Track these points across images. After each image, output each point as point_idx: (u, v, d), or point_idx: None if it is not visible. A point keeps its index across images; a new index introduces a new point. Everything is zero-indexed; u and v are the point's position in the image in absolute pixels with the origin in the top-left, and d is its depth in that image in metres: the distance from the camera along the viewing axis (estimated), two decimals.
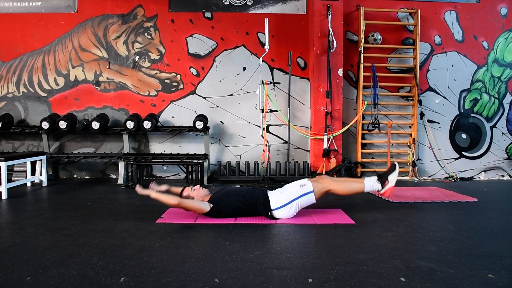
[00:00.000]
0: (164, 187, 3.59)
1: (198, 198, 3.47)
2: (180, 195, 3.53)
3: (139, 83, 6.08)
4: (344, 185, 3.45)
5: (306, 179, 3.49)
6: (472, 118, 6.31)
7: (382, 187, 3.43)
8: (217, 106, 6.12)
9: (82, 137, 6.11)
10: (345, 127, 5.90)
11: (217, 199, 3.43)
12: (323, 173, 5.49)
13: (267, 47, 5.43)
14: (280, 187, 3.55)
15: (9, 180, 5.17)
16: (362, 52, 5.94)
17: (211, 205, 3.34)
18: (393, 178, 3.42)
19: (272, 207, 3.35)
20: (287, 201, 3.35)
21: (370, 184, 3.45)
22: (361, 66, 5.94)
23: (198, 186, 3.57)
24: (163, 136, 6.12)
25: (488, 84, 6.29)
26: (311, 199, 3.37)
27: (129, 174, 5.61)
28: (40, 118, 5.77)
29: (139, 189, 3.37)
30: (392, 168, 3.46)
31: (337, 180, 3.52)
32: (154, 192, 3.33)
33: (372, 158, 6.17)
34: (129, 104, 6.09)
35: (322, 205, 4.05)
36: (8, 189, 4.52)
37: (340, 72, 5.80)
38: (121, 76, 6.07)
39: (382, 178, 3.45)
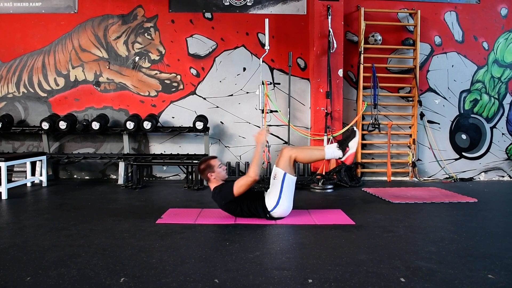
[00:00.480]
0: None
1: (217, 176, 3.45)
2: (207, 159, 3.51)
3: (139, 84, 6.09)
4: (305, 153, 3.45)
5: (274, 167, 3.47)
6: (472, 119, 6.31)
7: (344, 154, 3.41)
8: (217, 107, 6.12)
9: (82, 138, 6.11)
10: (345, 127, 5.89)
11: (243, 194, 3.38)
12: (323, 173, 5.49)
13: (267, 47, 5.42)
14: None
15: (9, 181, 5.18)
16: (362, 52, 5.94)
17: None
18: (353, 144, 3.39)
19: (269, 209, 3.36)
20: (276, 198, 3.35)
21: (331, 151, 3.44)
22: (361, 66, 5.94)
23: (224, 166, 3.56)
24: (163, 137, 6.12)
25: (488, 85, 6.29)
26: (290, 179, 3.36)
27: (129, 174, 5.61)
28: (40, 119, 5.77)
29: (260, 134, 3.43)
30: (352, 135, 3.43)
31: (297, 148, 3.60)
32: (262, 150, 3.37)
33: (372, 158, 6.17)
34: (129, 104, 6.09)
35: (322, 205, 4.06)
36: (8, 189, 4.52)
37: (340, 72, 5.80)
38: (121, 77, 6.07)
39: (343, 145, 3.42)
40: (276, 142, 6.07)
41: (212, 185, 3.47)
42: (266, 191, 3.53)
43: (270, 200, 3.37)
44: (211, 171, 3.45)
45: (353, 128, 3.46)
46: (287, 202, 3.37)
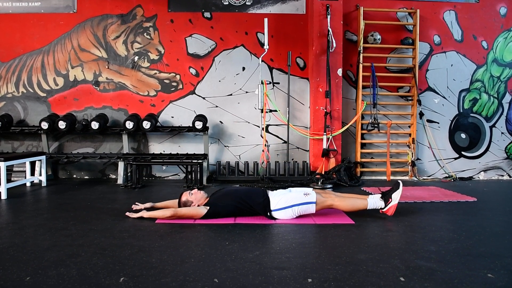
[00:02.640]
0: (148, 204, 3.68)
1: (197, 201, 3.49)
2: (179, 200, 3.58)
3: (139, 83, 6.08)
4: (347, 202, 3.46)
5: (311, 189, 3.51)
6: (471, 118, 6.31)
7: (386, 205, 3.43)
8: (217, 106, 6.12)
9: (81, 137, 6.11)
10: (345, 127, 5.90)
11: (215, 200, 3.46)
12: (323, 173, 5.49)
13: (266, 47, 5.42)
14: (280, 187, 3.56)
15: (8, 180, 5.17)
16: (362, 52, 5.94)
17: (208, 208, 3.37)
18: (396, 196, 3.41)
19: (272, 207, 3.36)
20: (287, 204, 3.37)
21: (373, 202, 3.46)
22: (361, 66, 5.94)
23: (195, 190, 3.58)
24: (163, 136, 6.12)
25: (487, 84, 6.29)
26: (311, 209, 3.39)
27: (129, 174, 5.60)
28: (40, 118, 5.77)
29: (130, 215, 3.48)
30: (396, 187, 3.44)
31: (341, 196, 3.52)
32: (145, 212, 3.44)
33: (372, 158, 6.17)
34: (129, 104, 6.09)
35: None
36: (8, 189, 4.51)
37: (340, 72, 5.80)
38: (121, 76, 6.07)
39: (386, 196, 3.45)
40: (275, 142, 6.08)
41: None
42: (269, 190, 3.55)
43: (278, 201, 3.38)
44: (190, 203, 3.50)
45: (399, 182, 3.46)
46: (290, 215, 3.40)
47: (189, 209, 3.40)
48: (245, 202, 3.39)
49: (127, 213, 3.52)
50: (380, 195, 3.48)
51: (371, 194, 3.65)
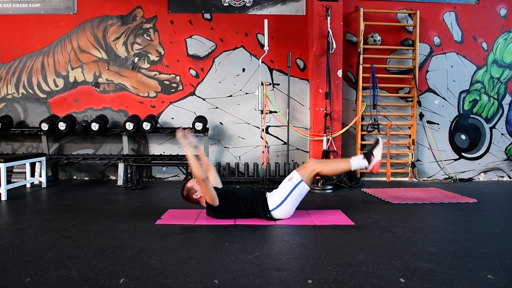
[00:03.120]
0: (196, 151, 3.48)
1: (200, 192, 3.42)
2: (183, 185, 3.50)
3: (139, 84, 6.09)
4: (330, 166, 3.46)
5: (294, 171, 3.48)
6: (471, 119, 6.31)
7: (369, 163, 3.42)
8: (217, 107, 6.12)
9: (81, 139, 6.11)
10: (345, 128, 5.90)
11: (223, 196, 3.39)
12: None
13: (266, 48, 5.43)
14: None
15: (8, 182, 5.17)
16: (362, 53, 5.95)
17: (218, 204, 3.32)
18: (378, 152, 3.40)
19: (270, 208, 3.35)
20: (282, 198, 3.35)
21: (356, 161, 3.44)
22: (361, 67, 5.94)
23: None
24: (163, 137, 6.12)
25: (487, 85, 6.29)
26: (304, 187, 3.37)
27: (129, 175, 5.61)
28: (40, 120, 5.77)
29: (180, 133, 3.40)
30: (375, 143, 3.44)
31: (323, 162, 3.52)
32: (191, 150, 3.32)
33: None
34: (129, 105, 6.09)
35: (321, 206, 4.06)
36: (8, 190, 4.51)
37: (340, 73, 5.80)
38: (121, 77, 6.07)
39: (368, 154, 3.44)
40: (275, 143, 6.08)
41: (204, 203, 3.46)
42: (268, 191, 3.53)
43: (273, 199, 3.36)
44: (193, 192, 3.43)
45: (377, 137, 3.47)
46: (289, 207, 3.37)
47: (212, 190, 3.29)
48: (250, 207, 3.38)
49: (178, 132, 3.40)
50: (362, 156, 3.47)
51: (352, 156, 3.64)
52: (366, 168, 3.45)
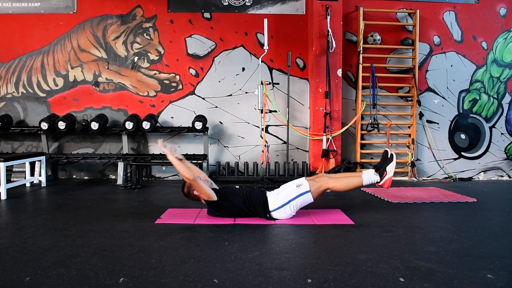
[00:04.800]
0: (180, 156, 3.46)
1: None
2: (184, 182, 3.48)
3: (138, 84, 6.08)
4: (342, 182, 3.40)
5: (303, 178, 3.46)
6: (471, 119, 6.32)
7: (381, 179, 3.40)
8: (216, 107, 6.12)
9: (81, 138, 6.11)
10: (344, 127, 5.90)
11: (222, 193, 3.39)
12: (323, 173, 5.48)
13: (266, 47, 5.43)
14: (278, 187, 3.54)
15: (8, 181, 5.16)
16: (361, 52, 5.94)
17: (217, 198, 3.32)
18: (391, 168, 3.38)
19: (271, 208, 3.35)
20: (284, 201, 3.33)
21: (368, 177, 3.42)
22: (360, 66, 5.94)
23: (204, 176, 3.53)
24: (162, 137, 6.11)
25: (487, 85, 6.30)
26: (308, 198, 3.35)
27: (128, 174, 5.60)
28: (39, 119, 5.77)
29: (160, 142, 3.40)
30: (390, 159, 3.41)
31: (335, 177, 3.45)
32: (174, 157, 3.30)
33: (371, 158, 6.17)
34: (128, 104, 6.09)
35: (321, 205, 4.05)
36: (7, 189, 4.51)
37: (339, 72, 5.81)
38: (120, 77, 6.07)
39: (380, 170, 3.41)
40: (275, 142, 6.08)
41: (203, 200, 3.44)
42: (268, 190, 3.53)
43: (275, 201, 3.35)
44: (193, 189, 3.40)
45: (391, 154, 3.43)
46: (290, 211, 3.37)
47: (206, 187, 3.27)
48: (250, 205, 3.37)
49: (159, 140, 3.42)
50: (374, 170, 3.44)
51: (364, 170, 3.61)
52: (377, 183, 3.43)
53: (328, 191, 3.46)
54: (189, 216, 3.52)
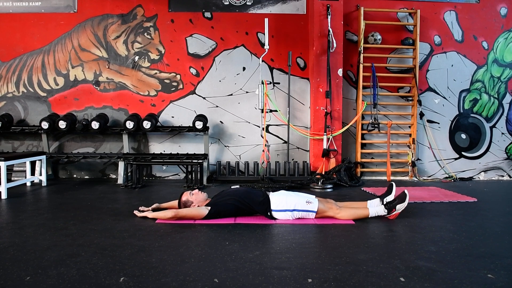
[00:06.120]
0: (154, 206, 3.68)
1: (197, 202, 3.49)
2: (179, 199, 3.57)
3: (139, 83, 6.08)
4: (348, 213, 3.44)
5: (314, 197, 3.50)
6: (471, 118, 6.31)
7: (389, 213, 3.41)
8: (217, 106, 6.12)
9: (81, 137, 6.11)
10: (345, 127, 5.90)
11: (213, 201, 3.47)
12: (323, 173, 5.49)
13: (266, 47, 5.43)
14: (280, 187, 3.56)
15: (8, 180, 5.17)
16: (362, 52, 5.94)
17: (209, 208, 3.36)
18: (401, 207, 3.39)
19: (273, 207, 3.36)
20: (288, 208, 3.37)
21: (375, 211, 3.44)
22: (361, 66, 5.94)
23: (196, 190, 3.57)
24: (163, 136, 6.12)
25: (487, 84, 6.29)
26: (310, 216, 3.41)
27: (129, 174, 5.60)
28: (40, 118, 5.77)
29: (136, 213, 3.55)
30: (403, 200, 3.40)
31: (342, 207, 3.51)
32: (150, 212, 3.48)
33: (372, 158, 6.17)
34: (129, 104, 6.09)
35: None
36: (8, 189, 4.51)
37: (340, 72, 5.80)
38: (121, 76, 6.07)
39: (390, 206, 3.42)
40: (275, 142, 6.08)
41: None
42: (269, 191, 3.56)
43: (279, 202, 3.38)
44: (190, 203, 3.50)
45: (405, 194, 3.41)
46: (290, 218, 3.40)
47: (191, 209, 3.40)
48: (245, 201, 3.39)
49: (135, 211, 3.58)
50: (384, 206, 3.44)
51: (369, 200, 3.63)
52: (384, 215, 3.46)
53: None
54: None
